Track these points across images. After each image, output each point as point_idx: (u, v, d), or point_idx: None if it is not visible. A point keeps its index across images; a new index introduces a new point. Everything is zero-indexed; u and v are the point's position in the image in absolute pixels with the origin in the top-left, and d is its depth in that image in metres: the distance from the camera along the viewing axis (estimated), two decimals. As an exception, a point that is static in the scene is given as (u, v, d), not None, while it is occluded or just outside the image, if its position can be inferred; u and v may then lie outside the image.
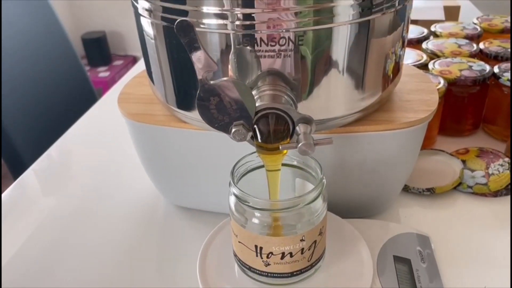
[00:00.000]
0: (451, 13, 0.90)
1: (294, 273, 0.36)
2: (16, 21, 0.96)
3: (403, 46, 0.42)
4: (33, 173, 0.61)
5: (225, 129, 0.32)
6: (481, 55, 0.66)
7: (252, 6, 0.32)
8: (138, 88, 0.48)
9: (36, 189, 0.59)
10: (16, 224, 0.52)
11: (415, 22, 0.81)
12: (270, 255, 0.35)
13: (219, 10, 0.33)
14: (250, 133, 0.33)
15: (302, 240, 0.35)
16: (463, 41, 0.68)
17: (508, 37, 0.72)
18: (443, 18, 0.85)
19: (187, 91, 0.39)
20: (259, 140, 0.34)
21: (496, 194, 0.50)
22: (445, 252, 0.43)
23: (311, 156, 0.36)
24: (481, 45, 0.67)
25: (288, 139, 0.34)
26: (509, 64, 0.60)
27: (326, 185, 0.36)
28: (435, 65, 0.60)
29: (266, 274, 0.36)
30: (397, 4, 0.36)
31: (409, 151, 0.43)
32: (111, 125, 0.69)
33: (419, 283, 0.39)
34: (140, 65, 0.91)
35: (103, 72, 2.23)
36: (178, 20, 0.29)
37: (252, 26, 0.33)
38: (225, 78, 0.31)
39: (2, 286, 0.43)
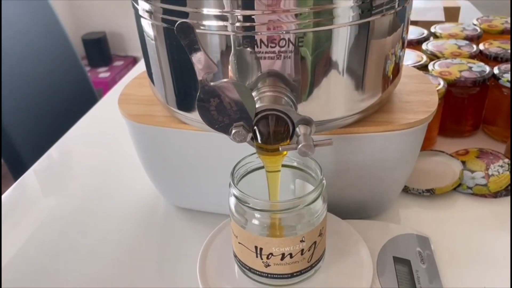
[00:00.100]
0: (451, 14, 0.90)
1: (294, 274, 0.36)
2: (17, 22, 0.96)
3: (402, 47, 0.42)
4: (33, 174, 0.61)
5: (225, 130, 0.32)
6: (481, 56, 0.66)
7: (252, 8, 0.32)
8: (139, 89, 0.48)
9: (36, 189, 0.59)
10: (16, 225, 0.52)
11: (415, 23, 0.81)
12: (270, 256, 0.35)
13: (219, 12, 0.33)
14: (250, 134, 0.33)
15: (302, 241, 0.35)
16: (463, 42, 0.68)
17: (508, 38, 0.72)
18: (443, 19, 0.85)
19: (188, 92, 0.39)
20: (259, 141, 0.34)
21: (495, 195, 0.50)
22: (445, 253, 0.43)
23: (311, 157, 0.36)
24: (481, 46, 0.67)
25: (288, 140, 0.34)
26: (508, 65, 0.60)
27: (326, 186, 0.36)
28: (435, 66, 0.60)
29: (266, 275, 0.36)
30: (396, 6, 0.37)
31: (409, 152, 0.44)
32: (111, 126, 0.69)
33: (418, 283, 0.39)
34: (141, 66, 0.91)
35: (103, 73, 2.23)
36: (178, 22, 0.29)
37: (252, 28, 0.33)
38: (225, 80, 0.31)
39: (2, 286, 0.43)
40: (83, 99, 1.09)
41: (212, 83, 0.31)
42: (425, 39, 0.71)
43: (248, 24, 0.33)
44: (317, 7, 0.33)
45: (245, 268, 0.37)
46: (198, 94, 0.31)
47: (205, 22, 0.34)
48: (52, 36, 1.05)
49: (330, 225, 0.40)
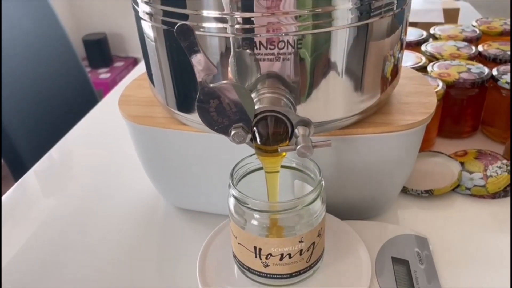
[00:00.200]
0: (451, 15, 0.90)
1: (293, 274, 0.37)
2: (17, 23, 0.97)
3: (401, 49, 0.42)
4: (34, 174, 0.62)
5: (225, 131, 0.33)
6: (479, 57, 0.66)
7: (252, 10, 0.33)
8: (139, 90, 0.48)
9: (37, 190, 0.59)
10: (17, 225, 0.52)
11: (414, 24, 0.81)
12: (269, 256, 0.35)
13: (219, 14, 0.33)
14: (249, 136, 0.33)
15: (301, 241, 0.35)
16: (462, 44, 0.68)
17: (506, 39, 0.72)
18: (443, 21, 0.86)
19: (187, 93, 0.39)
20: (258, 142, 0.34)
21: (494, 196, 0.50)
22: (443, 254, 0.44)
23: (310, 158, 0.37)
24: (480, 48, 0.67)
25: (287, 142, 0.34)
26: (507, 67, 0.60)
27: (324, 187, 0.36)
28: (434, 68, 0.60)
29: (265, 275, 0.37)
30: (395, 8, 0.37)
31: (407, 153, 0.44)
32: (112, 127, 0.69)
33: (417, 284, 0.39)
34: (141, 67, 0.91)
35: (104, 74, 2.23)
36: (178, 24, 0.29)
37: (251, 30, 0.33)
38: (224, 81, 0.31)
39: (3, 286, 0.44)
40: (83, 100, 1.09)
41: (211, 85, 0.31)
42: (424, 40, 0.71)
43: (247, 26, 0.33)
44: (316, 9, 0.33)
45: (244, 268, 0.37)
46: (197, 95, 0.31)
47: (205, 24, 0.34)
48: (53, 37, 1.05)
49: (329, 226, 0.41)
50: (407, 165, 0.46)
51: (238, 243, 0.36)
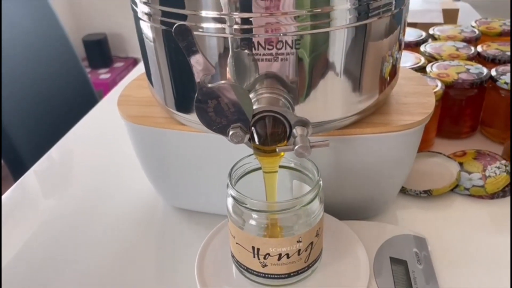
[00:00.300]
0: (450, 16, 0.90)
1: (291, 274, 0.37)
2: (17, 23, 0.97)
3: (399, 49, 0.42)
4: (33, 174, 0.62)
5: (223, 131, 0.33)
6: (478, 58, 0.66)
7: (250, 11, 0.33)
8: (138, 90, 0.48)
9: (36, 190, 0.59)
10: (16, 225, 0.52)
11: (414, 25, 0.81)
12: (267, 256, 0.35)
13: (218, 14, 0.33)
14: (248, 136, 0.33)
15: (299, 241, 0.35)
16: (461, 44, 0.68)
17: (505, 40, 0.72)
18: (442, 21, 0.86)
19: (186, 94, 0.39)
20: (257, 143, 0.34)
21: (492, 196, 0.50)
22: (442, 254, 0.44)
23: (308, 158, 0.37)
24: (479, 48, 0.67)
25: (285, 142, 0.34)
26: (506, 67, 0.60)
27: (323, 187, 0.36)
28: (432, 68, 0.60)
29: (263, 275, 0.37)
30: (393, 8, 0.37)
31: (405, 153, 0.44)
32: (111, 127, 0.69)
33: (415, 284, 0.39)
34: (141, 67, 0.91)
35: (104, 74, 2.23)
36: (176, 24, 0.29)
37: (250, 30, 0.34)
38: (222, 81, 0.31)
39: (2, 286, 0.44)
40: (83, 100, 1.09)
41: (210, 85, 0.31)
42: (424, 41, 0.71)
43: (246, 26, 0.33)
44: (315, 9, 0.33)
45: (243, 268, 0.37)
46: (196, 95, 0.31)
47: (204, 25, 0.34)
48: (53, 37, 1.06)
49: (328, 226, 0.41)
50: (406, 166, 0.46)
51: (236, 243, 0.36)
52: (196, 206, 0.50)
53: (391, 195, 0.48)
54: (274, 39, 0.34)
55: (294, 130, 0.33)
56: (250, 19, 0.33)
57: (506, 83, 0.57)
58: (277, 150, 0.34)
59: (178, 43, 0.30)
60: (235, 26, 0.34)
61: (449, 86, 0.57)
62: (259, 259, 0.36)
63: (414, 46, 0.70)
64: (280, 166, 0.37)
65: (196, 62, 0.31)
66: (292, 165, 0.39)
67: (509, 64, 0.62)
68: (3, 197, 0.57)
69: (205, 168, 0.45)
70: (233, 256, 0.38)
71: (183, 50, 0.30)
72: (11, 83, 0.90)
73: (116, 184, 0.58)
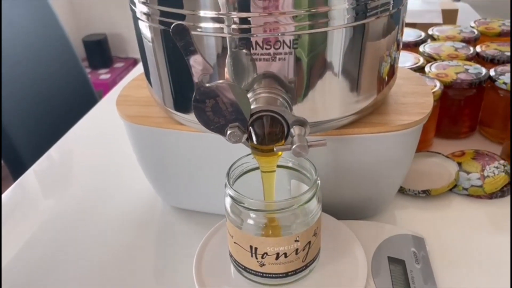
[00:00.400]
0: (449, 16, 0.90)
1: (289, 274, 0.37)
2: (17, 23, 0.97)
3: (398, 49, 0.42)
4: (33, 174, 0.62)
5: (221, 131, 0.33)
6: (477, 58, 0.66)
7: (248, 10, 0.33)
8: (136, 90, 0.48)
9: (36, 189, 0.60)
10: (16, 225, 0.52)
11: (413, 25, 0.82)
12: (265, 255, 0.35)
13: (216, 14, 0.34)
14: (245, 135, 0.33)
15: (296, 240, 0.35)
16: (460, 45, 0.68)
17: (504, 40, 0.72)
18: (441, 21, 0.86)
19: (184, 93, 0.40)
20: (254, 142, 0.34)
21: (491, 196, 0.51)
22: (440, 254, 0.44)
23: (306, 158, 0.37)
24: (478, 48, 0.67)
25: (283, 141, 0.34)
26: (505, 67, 0.60)
27: (320, 186, 0.36)
28: (431, 68, 0.61)
29: (261, 274, 0.37)
30: (391, 8, 0.37)
31: (403, 153, 0.44)
32: (111, 127, 0.69)
33: (413, 284, 0.39)
34: (141, 67, 0.91)
35: (104, 74, 2.23)
36: (174, 24, 0.29)
37: (248, 30, 0.34)
38: (220, 81, 0.31)
39: (2, 286, 0.44)
40: (83, 100, 1.09)
41: (207, 85, 0.31)
42: (423, 41, 0.71)
43: (244, 26, 0.34)
44: (312, 9, 0.33)
45: (241, 267, 0.38)
46: (194, 95, 0.31)
47: (202, 24, 0.34)
48: (53, 38, 1.06)
49: (326, 225, 0.41)
50: (404, 165, 0.46)
51: (234, 243, 0.37)
52: (195, 205, 0.50)
53: (390, 194, 0.48)
54: (272, 39, 0.34)
55: (292, 130, 0.33)
56: (248, 18, 0.33)
57: (504, 83, 0.57)
58: (275, 149, 0.34)
59: (176, 43, 0.30)
60: (233, 26, 0.34)
61: (448, 86, 0.57)
62: (257, 258, 0.36)
63: (413, 46, 0.70)
64: (278, 166, 0.37)
65: (194, 61, 0.31)
66: (290, 164, 0.39)
67: (508, 64, 0.62)
68: (2, 196, 0.57)
69: (204, 168, 0.45)
70: (231, 256, 0.38)
71: (181, 50, 0.30)
72: (11, 83, 0.90)
73: (116, 184, 0.58)
